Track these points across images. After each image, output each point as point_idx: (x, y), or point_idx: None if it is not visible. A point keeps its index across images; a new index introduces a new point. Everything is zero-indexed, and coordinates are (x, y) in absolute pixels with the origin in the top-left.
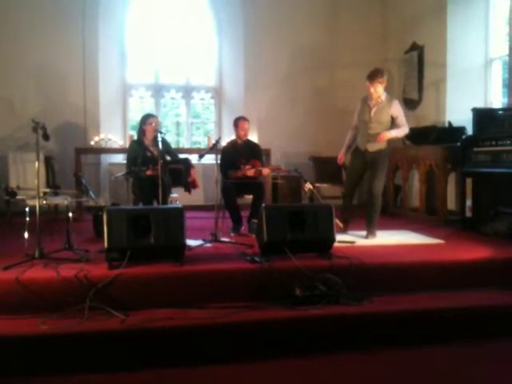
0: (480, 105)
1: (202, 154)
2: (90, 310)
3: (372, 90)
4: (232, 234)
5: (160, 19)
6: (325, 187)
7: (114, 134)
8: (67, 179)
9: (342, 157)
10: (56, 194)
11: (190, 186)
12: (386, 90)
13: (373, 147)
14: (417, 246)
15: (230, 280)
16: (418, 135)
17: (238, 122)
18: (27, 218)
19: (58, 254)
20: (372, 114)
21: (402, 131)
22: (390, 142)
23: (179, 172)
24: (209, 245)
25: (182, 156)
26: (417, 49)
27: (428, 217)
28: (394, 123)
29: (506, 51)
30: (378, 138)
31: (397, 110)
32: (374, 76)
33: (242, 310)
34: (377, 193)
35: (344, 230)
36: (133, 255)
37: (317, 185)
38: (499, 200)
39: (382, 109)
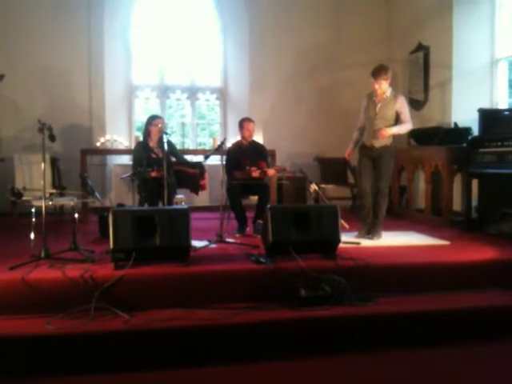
0: (486, 105)
1: (207, 155)
2: (96, 311)
3: (376, 86)
4: (237, 235)
5: (165, 20)
6: (330, 188)
7: (119, 135)
8: (73, 180)
9: (350, 152)
10: (62, 195)
11: (199, 188)
12: (391, 87)
13: (379, 143)
14: (422, 247)
15: (235, 281)
16: (424, 136)
17: (243, 123)
18: (33, 219)
19: (64, 254)
20: (377, 109)
21: (404, 127)
22: (395, 140)
23: (189, 174)
24: (214, 245)
25: (188, 157)
26: (422, 49)
27: (433, 218)
28: (398, 119)
29: None
30: (378, 135)
31: (401, 105)
32: (378, 73)
33: (246, 311)
34: (382, 193)
35: (367, 234)
36: (138, 256)
37: (322, 186)
38: (505, 201)
39: (387, 105)
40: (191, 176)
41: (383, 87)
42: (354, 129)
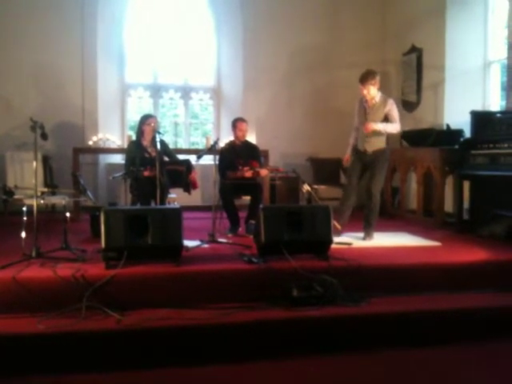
0: (478, 107)
1: (200, 154)
2: (87, 310)
3: (365, 91)
4: (229, 235)
5: (159, 19)
6: (323, 189)
7: (112, 134)
8: (65, 179)
9: (349, 158)
10: (53, 194)
11: (190, 186)
12: (384, 91)
13: (371, 147)
14: (414, 248)
15: (228, 280)
16: (416, 137)
17: (236, 123)
18: (24, 218)
19: (55, 253)
20: (367, 115)
21: (391, 126)
22: (389, 143)
23: (179, 173)
24: (206, 245)
25: (180, 157)
26: (416, 51)
27: (425, 219)
28: (387, 120)
29: (505, 54)
30: (364, 129)
31: (390, 108)
32: (365, 78)
33: (239, 311)
34: (375, 194)
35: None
36: (130, 255)
37: (315, 186)
38: (496, 203)
39: (377, 109)
40: (179, 173)
41: (372, 92)
42: (347, 130)
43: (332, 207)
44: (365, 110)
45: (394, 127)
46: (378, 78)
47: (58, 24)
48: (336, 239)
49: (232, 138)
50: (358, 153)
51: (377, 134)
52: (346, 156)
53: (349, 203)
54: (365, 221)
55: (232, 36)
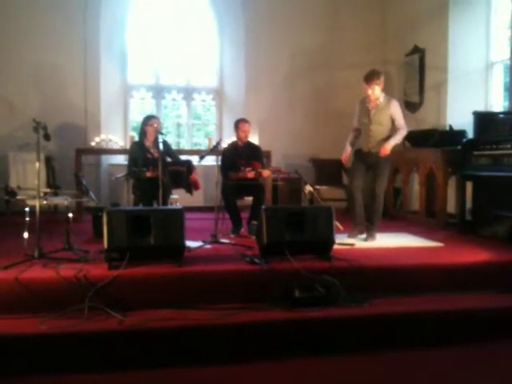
0: (481, 108)
1: (202, 155)
2: (89, 311)
3: (370, 91)
4: (232, 236)
5: (161, 20)
6: (325, 189)
7: (114, 135)
8: (67, 179)
9: (347, 157)
10: (56, 195)
11: (191, 187)
12: (386, 91)
13: (375, 148)
14: (416, 249)
15: (230, 281)
16: (419, 138)
17: (238, 124)
18: (27, 218)
19: (58, 254)
20: (371, 115)
21: (400, 135)
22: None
23: (180, 173)
24: (208, 246)
25: (182, 157)
26: (418, 52)
27: (428, 219)
28: (393, 124)
29: (507, 55)
30: (379, 154)
31: (395, 110)
32: (370, 77)
33: (241, 312)
34: (379, 194)
35: (359, 234)
36: (132, 256)
37: (317, 187)
38: (499, 203)
39: (381, 110)
40: (180, 174)
41: (376, 92)
42: (349, 131)
43: (334, 208)
44: (368, 111)
45: (402, 134)
46: (382, 79)
47: (60, 25)
48: (338, 240)
49: (234, 139)
50: (360, 153)
51: (382, 136)
52: (345, 154)
53: (358, 203)
54: (368, 221)
55: (234, 37)
